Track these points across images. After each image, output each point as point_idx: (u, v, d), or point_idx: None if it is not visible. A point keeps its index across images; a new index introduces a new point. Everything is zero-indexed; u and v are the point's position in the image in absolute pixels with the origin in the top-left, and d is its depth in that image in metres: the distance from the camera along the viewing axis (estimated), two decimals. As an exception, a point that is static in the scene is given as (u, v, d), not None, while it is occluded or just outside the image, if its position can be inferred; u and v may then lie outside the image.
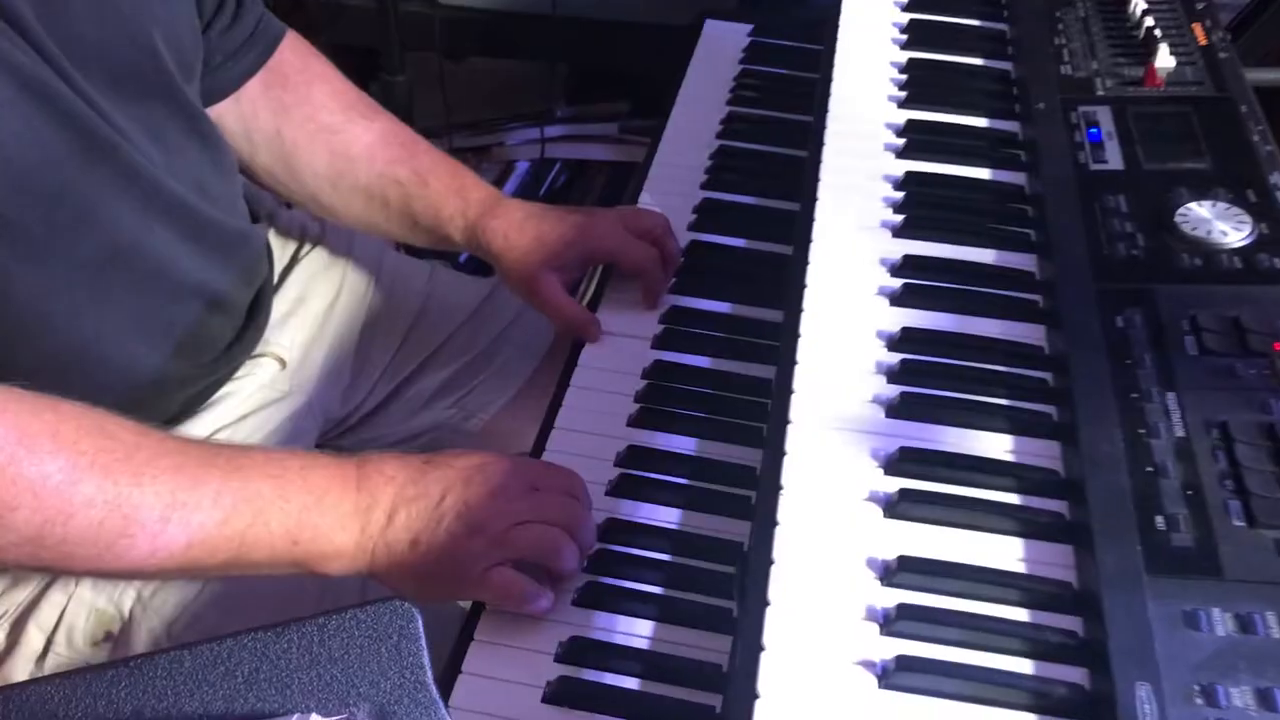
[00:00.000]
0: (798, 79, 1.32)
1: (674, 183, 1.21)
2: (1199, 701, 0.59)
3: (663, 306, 1.05)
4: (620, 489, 0.89)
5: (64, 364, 0.86)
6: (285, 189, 1.11)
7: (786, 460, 0.75)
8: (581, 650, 0.79)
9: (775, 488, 0.74)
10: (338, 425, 1.22)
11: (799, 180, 1.07)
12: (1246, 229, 0.86)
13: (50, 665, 0.94)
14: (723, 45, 1.43)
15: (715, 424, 0.93)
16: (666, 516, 0.87)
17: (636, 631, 0.79)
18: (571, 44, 2.13)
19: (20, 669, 0.93)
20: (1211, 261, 0.85)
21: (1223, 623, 0.62)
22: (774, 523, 0.71)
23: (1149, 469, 0.70)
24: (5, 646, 0.93)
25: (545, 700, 0.76)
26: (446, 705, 0.78)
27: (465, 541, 0.78)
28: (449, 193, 1.08)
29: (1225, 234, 0.86)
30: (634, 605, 0.81)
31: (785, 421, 0.78)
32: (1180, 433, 0.72)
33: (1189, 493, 0.69)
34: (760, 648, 0.65)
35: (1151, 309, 0.81)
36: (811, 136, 1.08)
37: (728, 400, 0.95)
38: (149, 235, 0.89)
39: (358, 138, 1.08)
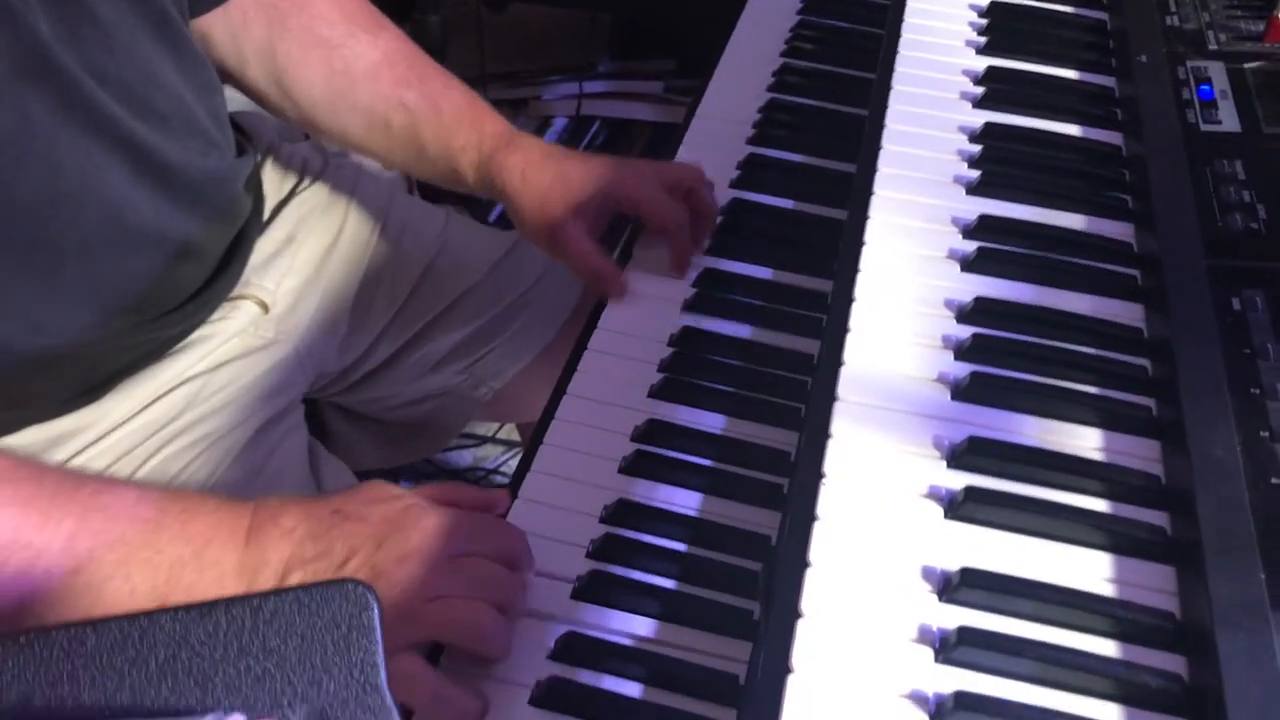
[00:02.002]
0: (860, 33, 1.19)
1: (717, 136, 1.09)
2: (1344, 780, 0.46)
3: (696, 268, 0.93)
4: (635, 468, 0.77)
5: None
6: (278, 108, 0.99)
7: (831, 444, 0.63)
8: (577, 648, 0.67)
9: (816, 475, 0.61)
10: (338, 380, 1.10)
11: (857, 139, 0.94)
12: (1392, 205, 0.73)
13: None
14: (778, -6, 1.30)
15: (747, 401, 0.81)
16: (685, 501, 0.76)
17: (642, 631, 0.68)
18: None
19: None
20: (1348, 241, 0.72)
21: (1371, 679, 0.49)
22: (812, 517, 0.59)
23: (1274, 480, 0.58)
24: None
25: (533, 702, 0.65)
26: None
27: (402, 572, 0.64)
28: (462, 122, 0.96)
29: (1365, 209, 0.73)
30: (641, 601, 0.69)
31: (831, 398, 0.66)
32: (1312, 439, 0.60)
33: (1325, 513, 0.56)
34: (788, 669, 0.53)
35: (1275, 291, 0.68)
36: (877, 80, 0.95)
37: (763, 375, 0.83)
38: (98, 175, 0.77)
39: (360, 54, 0.96)
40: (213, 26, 0.94)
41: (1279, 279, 0.69)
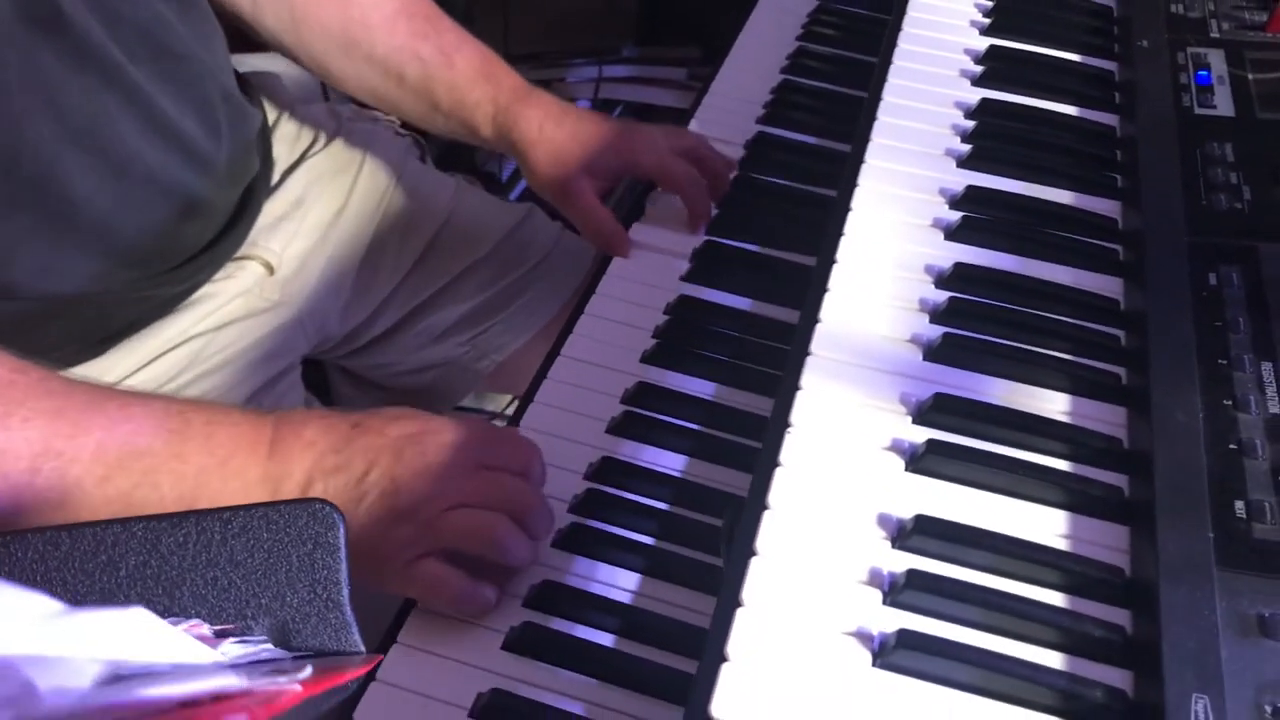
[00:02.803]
0: (878, 20, 1.20)
1: (728, 115, 1.10)
2: (1269, 724, 0.47)
3: (695, 241, 0.94)
4: (622, 427, 0.78)
5: None
6: (292, 54, 1.00)
7: (799, 395, 0.64)
8: (553, 597, 0.68)
9: (783, 425, 0.62)
10: (342, 344, 1.12)
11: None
12: (1377, 190, 0.73)
13: None
14: (801, -22, 1.31)
15: (737, 369, 0.82)
16: (670, 462, 0.77)
17: (619, 583, 0.69)
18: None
19: None
20: (1332, 224, 0.72)
21: (1309, 634, 0.50)
22: (775, 463, 0.60)
23: (1232, 446, 0.59)
24: None
25: (505, 647, 0.66)
26: (394, 639, 0.68)
27: (389, 525, 0.65)
28: (477, 75, 0.96)
29: (1350, 193, 0.73)
30: (620, 554, 0.70)
31: (805, 353, 0.67)
32: (1275, 409, 0.60)
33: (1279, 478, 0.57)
34: (738, 603, 0.54)
35: (1253, 268, 0.69)
36: (880, 58, 0.95)
37: (755, 346, 0.84)
38: (106, 123, 0.78)
39: (377, 4, 0.97)
40: None
41: (1257, 256, 0.70)
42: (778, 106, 1.09)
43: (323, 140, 1.09)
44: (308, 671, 0.33)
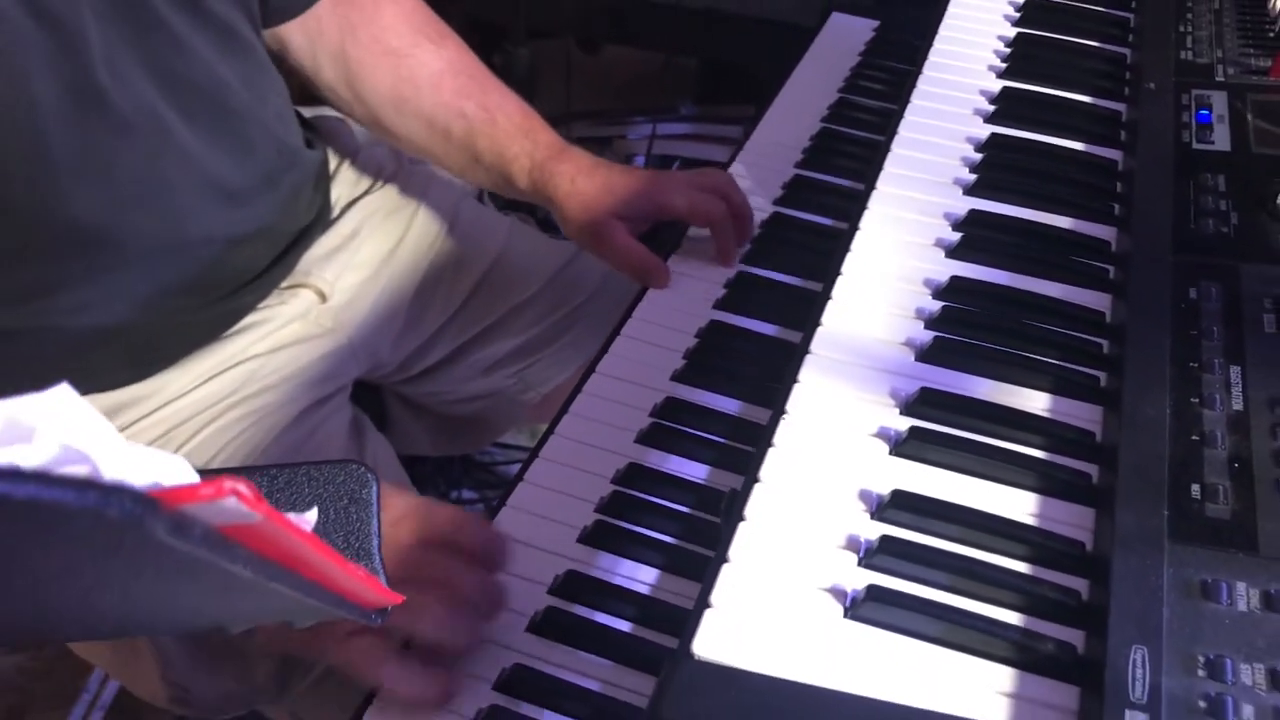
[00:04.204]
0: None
1: (769, 158, 1.16)
2: (1201, 673, 0.51)
3: (729, 271, 1.00)
4: (649, 438, 0.84)
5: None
6: (348, 108, 1.08)
7: (796, 388, 0.70)
8: (577, 586, 0.74)
9: (780, 412, 0.68)
10: (396, 371, 1.18)
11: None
12: (1358, 217, 0.77)
13: None
14: (846, 37, 1.38)
15: (763, 389, 0.87)
16: (693, 471, 0.82)
17: (639, 577, 0.74)
18: (696, 36, 2.09)
19: None
20: (1312, 246, 0.76)
21: (1246, 598, 0.54)
22: (769, 444, 0.66)
23: (1194, 437, 0.63)
24: None
25: (530, 629, 0.71)
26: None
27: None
28: (517, 132, 1.04)
29: (1332, 219, 0.77)
30: (642, 551, 0.76)
31: (805, 352, 0.72)
32: (1238, 406, 0.65)
33: (1235, 465, 0.61)
34: (724, 559, 0.59)
35: (1232, 284, 0.74)
36: (902, 93, 1.02)
37: (779, 367, 0.88)
38: (160, 188, 0.84)
39: (424, 63, 1.05)
40: (291, 34, 1.03)
41: (1238, 274, 0.74)
42: (816, 152, 1.15)
43: (383, 180, 1.16)
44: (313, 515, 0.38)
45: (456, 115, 1.04)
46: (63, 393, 0.27)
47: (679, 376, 0.90)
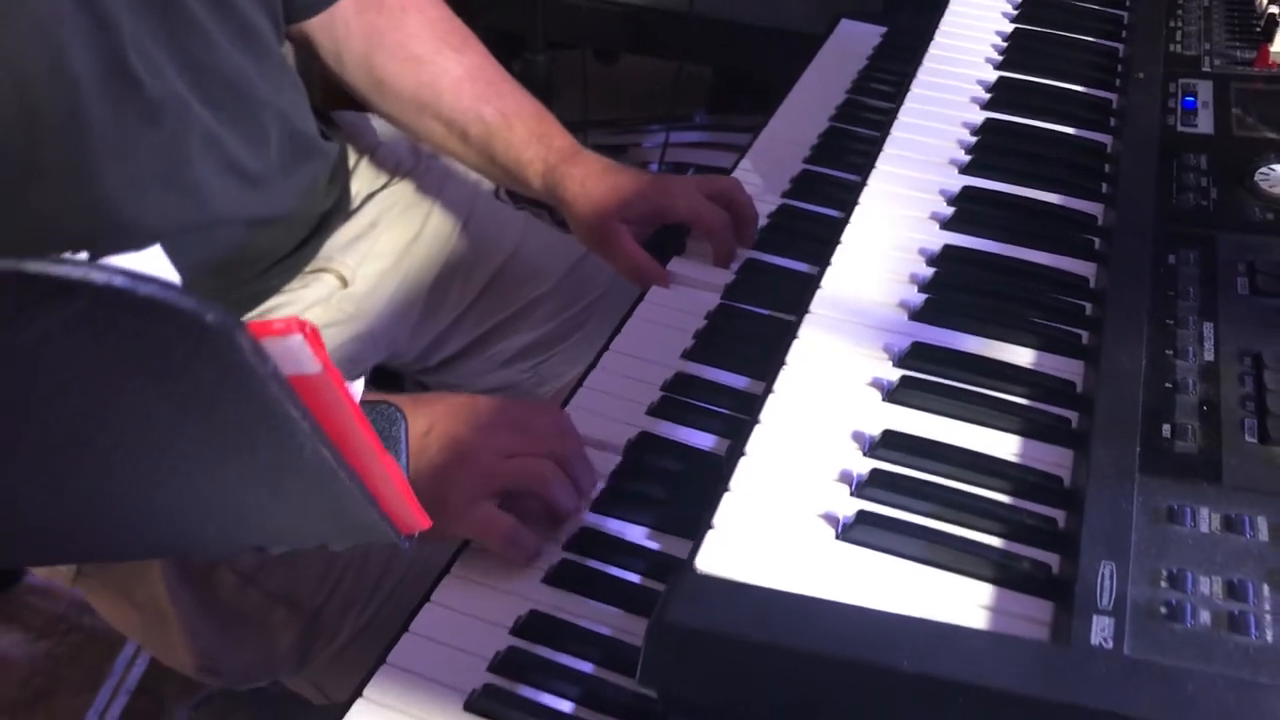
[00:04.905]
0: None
1: (777, 155, 1.20)
2: (1163, 584, 0.55)
3: (740, 259, 1.04)
4: (659, 410, 0.88)
5: None
6: (370, 105, 1.13)
7: (795, 343, 0.75)
8: (591, 542, 0.78)
9: (779, 364, 0.73)
10: (414, 360, 1.23)
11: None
12: (1331, 191, 0.82)
13: None
14: (854, 43, 1.42)
15: (767, 366, 0.88)
16: (702, 441, 0.86)
17: (649, 538, 0.79)
18: (708, 45, 2.15)
19: None
20: (1286, 218, 0.81)
21: (1209, 521, 0.58)
22: (770, 391, 0.70)
23: (1168, 385, 0.67)
24: None
25: (544, 580, 0.76)
26: (447, 570, 0.79)
27: (452, 472, 0.75)
28: (532, 137, 1.09)
29: (1306, 193, 0.82)
30: (652, 513, 0.80)
31: (805, 311, 0.77)
32: (1210, 358, 0.69)
33: (1204, 408, 0.65)
34: (726, 488, 0.64)
35: (1209, 251, 0.78)
36: (903, 83, 1.07)
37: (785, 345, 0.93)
38: (183, 169, 0.89)
39: (446, 70, 1.10)
40: (316, 32, 1.09)
41: (1215, 242, 0.79)
42: (823, 149, 1.19)
43: (400, 175, 1.22)
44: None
45: (475, 119, 1.09)
46: (155, 253, 0.31)
47: (690, 354, 0.94)
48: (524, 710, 0.67)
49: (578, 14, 2.10)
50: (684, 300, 1.02)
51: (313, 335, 0.31)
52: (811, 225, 1.09)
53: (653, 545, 0.78)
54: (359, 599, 1.00)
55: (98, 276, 0.24)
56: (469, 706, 0.67)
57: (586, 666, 0.70)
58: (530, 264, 1.24)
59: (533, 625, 0.73)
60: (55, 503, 0.44)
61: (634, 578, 0.76)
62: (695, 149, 2.32)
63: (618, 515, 0.80)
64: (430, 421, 0.77)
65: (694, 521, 0.76)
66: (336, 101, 1.21)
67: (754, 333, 0.95)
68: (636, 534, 0.79)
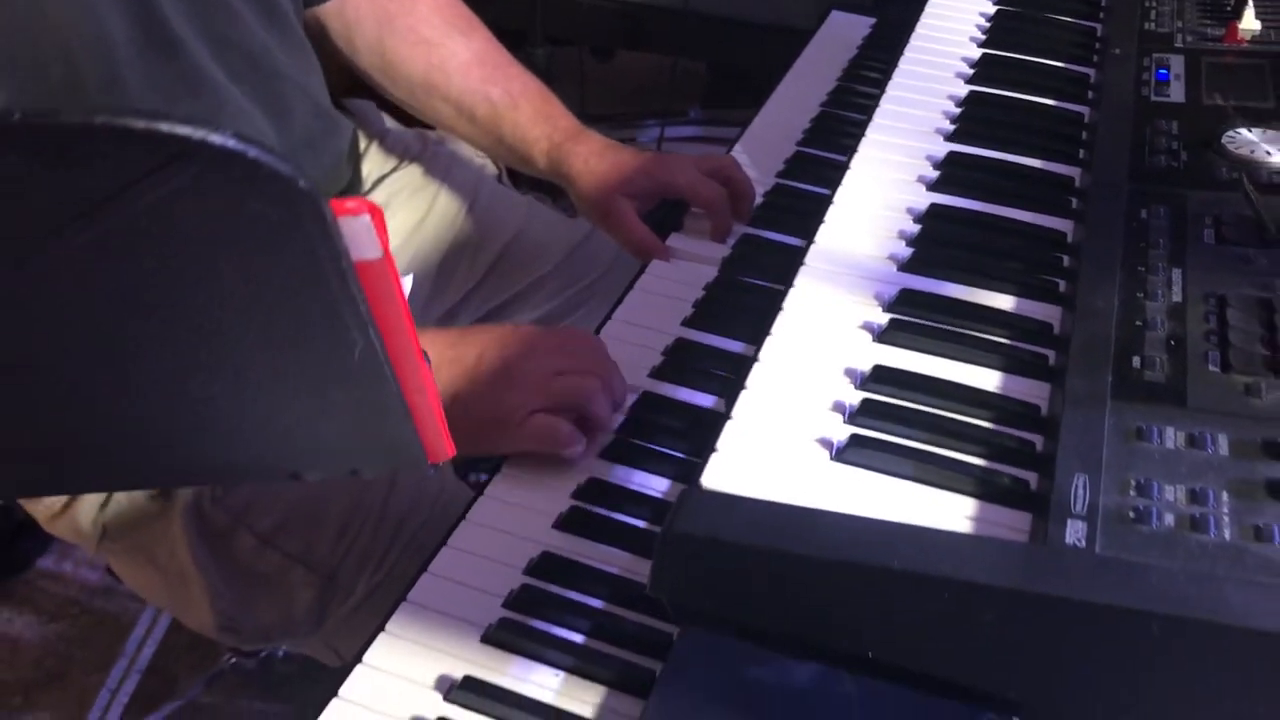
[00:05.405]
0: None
1: (771, 140, 1.25)
2: (1132, 493, 0.60)
3: (736, 235, 1.09)
4: (660, 372, 0.93)
5: None
6: (380, 88, 1.18)
7: (791, 292, 0.80)
8: (599, 491, 0.83)
9: (776, 310, 0.78)
10: (421, 340, 1.28)
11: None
12: (1292, 151, 0.87)
13: (111, 512, 1.02)
14: (844, 33, 1.48)
15: (762, 332, 0.93)
16: (702, 400, 0.91)
17: (652, 485, 0.83)
18: (703, 41, 2.20)
19: (85, 513, 1.02)
20: (1251, 175, 0.86)
21: (1174, 438, 0.63)
22: (767, 334, 0.75)
23: (1138, 323, 0.72)
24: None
25: (555, 526, 0.80)
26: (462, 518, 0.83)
27: (506, 393, 0.83)
28: (538, 117, 1.14)
29: (1270, 154, 0.87)
30: (656, 464, 0.85)
31: (800, 264, 0.82)
32: (1178, 299, 0.74)
33: (1172, 343, 0.70)
34: (728, 417, 0.69)
35: (1179, 207, 0.83)
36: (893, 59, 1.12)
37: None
38: None
39: (455, 53, 1.15)
40: (329, 18, 1.14)
41: (1184, 199, 0.84)
42: (816, 132, 1.25)
43: (409, 160, 1.26)
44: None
45: (482, 100, 1.15)
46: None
47: (688, 322, 0.99)
48: (538, 641, 0.72)
49: (576, 10, 2.16)
50: (683, 273, 1.06)
51: (378, 218, 0.35)
52: (805, 203, 1.13)
53: (657, 494, 0.83)
54: (373, 558, 1.04)
55: (216, 138, 0.29)
56: (485, 639, 0.72)
57: (596, 602, 0.75)
58: (534, 245, 1.29)
59: (545, 565, 0.77)
60: (121, 404, 0.48)
61: (640, 523, 0.81)
62: (690, 144, 2.37)
63: (625, 465, 0.85)
64: (480, 350, 0.84)
65: (695, 471, 0.82)
66: (346, 89, 1.25)
67: (750, 303, 1.00)
68: (641, 482, 0.83)
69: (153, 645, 1.70)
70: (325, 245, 0.34)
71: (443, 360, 0.83)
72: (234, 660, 1.67)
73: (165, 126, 0.28)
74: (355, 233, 0.35)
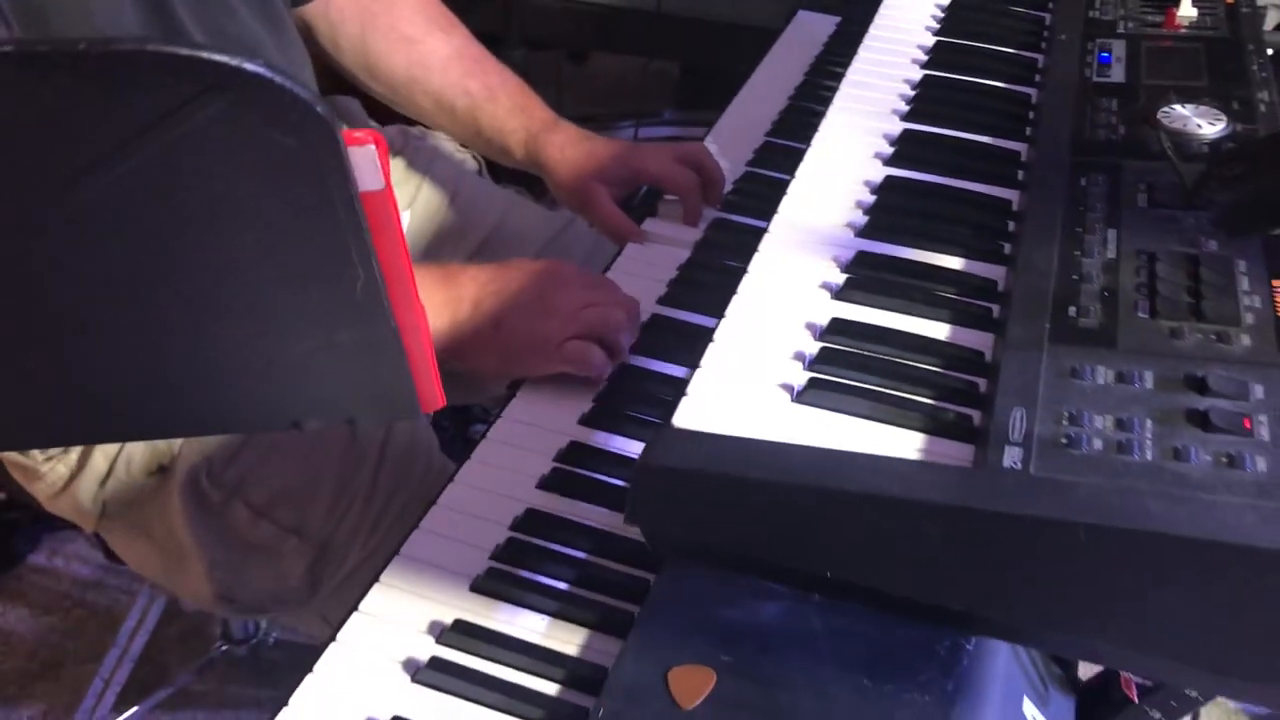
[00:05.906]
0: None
1: (740, 133, 1.31)
2: (1065, 422, 0.66)
3: (707, 219, 1.15)
4: (637, 346, 0.98)
5: None
6: (363, 85, 1.24)
7: (756, 256, 0.85)
8: (579, 453, 0.88)
9: (741, 273, 0.83)
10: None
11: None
12: (1221, 124, 0.93)
13: (110, 489, 1.07)
14: (810, 31, 1.53)
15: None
16: (675, 371, 0.96)
17: (632, 450, 0.89)
18: (676, 42, 2.26)
19: (85, 490, 1.07)
20: (1183, 148, 0.92)
21: (1104, 376, 0.69)
22: (733, 293, 0.81)
23: (1075, 277, 0.78)
24: (76, 469, 1.06)
25: (539, 486, 0.85)
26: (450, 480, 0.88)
27: (544, 320, 0.91)
28: (515, 109, 1.20)
29: (1200, 127, 0.93)
30: (634, 429, 0.90)
31: (764, 232, 0.88)
32: (1111, 255, 0.80)
33: (1105, 294, 0.76)
34: (697, 366, 0.74)
35: (1115, 175, 0.89)
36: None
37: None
38: None
39: (435, 50, 1.21)
40: (314, 19, 1.19)
41: (1121, 168, 0.90)
42: (784, 124, 1.31)
43: (391, 153, 1.32)
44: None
45: (461, 94, 1.21)
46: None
47: (662, 300, 1.05)
48: (524, 588, 0.77)
49: (550, 14, 2.22)
50: (658, 255, 1.12)
51: (382, 149, 0.40)
52: (773, 189, 1.17)
53: (635, 456, 0.88)
54: (364, 529, 1.09)
55: (250, 65, 0.34)
56: (474, 588, 0.77)
57: (579, 553, 0.80)
58: (514, 236, 1.34)
59: (530, 521, 0.83)
60: (142, 348, 0.52)
61: (619, 482, 0.86)
62: (665, 142, 2.43)
63: (604, 430, 0.90)
64: (521, 281, 0.93)
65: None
66: (329, 89, 1.31)
67: (721, 282, 1.04)
68: (620, 446, 0.89)
69: (144, 635, 1.73)
70: (335, 174, 0.39)
71: (487, 291, 0.92)
72: (224, 648, 1.71)
73: (206, 54, 0.33)
74: (362, 160, 0.40)
